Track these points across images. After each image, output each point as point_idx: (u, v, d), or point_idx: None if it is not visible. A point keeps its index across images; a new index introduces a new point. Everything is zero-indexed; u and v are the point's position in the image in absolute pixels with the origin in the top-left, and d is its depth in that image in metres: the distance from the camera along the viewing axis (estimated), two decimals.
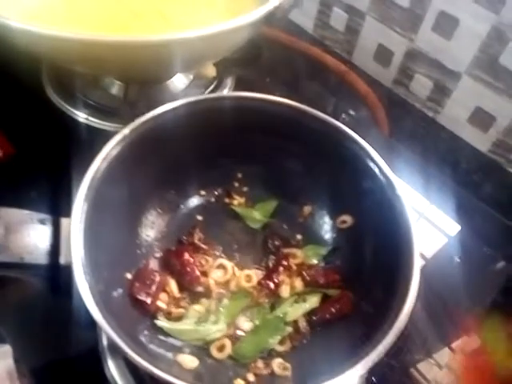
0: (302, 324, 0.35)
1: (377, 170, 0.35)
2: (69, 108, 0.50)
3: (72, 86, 0.50)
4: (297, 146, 0.40)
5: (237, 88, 0.56)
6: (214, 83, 0.55)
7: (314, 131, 0.38)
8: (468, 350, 0.41)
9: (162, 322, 0.34)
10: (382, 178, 0.35)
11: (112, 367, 0.34)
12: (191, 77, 0.55)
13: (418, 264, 0.31)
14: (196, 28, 0.36)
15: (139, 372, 0.35)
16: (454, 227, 0.52)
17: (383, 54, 0.65)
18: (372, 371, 0.37)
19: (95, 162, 0.31)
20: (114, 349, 0.34)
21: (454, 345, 0.41)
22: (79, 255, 0.28)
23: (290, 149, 0.40)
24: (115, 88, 0.51)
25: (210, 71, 0.55)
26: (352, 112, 0.62)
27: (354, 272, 0.37)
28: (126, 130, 0.33)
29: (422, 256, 0.48)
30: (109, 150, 0.32)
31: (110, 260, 0.32)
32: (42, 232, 0.29)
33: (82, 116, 0.49)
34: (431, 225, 0.52)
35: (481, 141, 0.60)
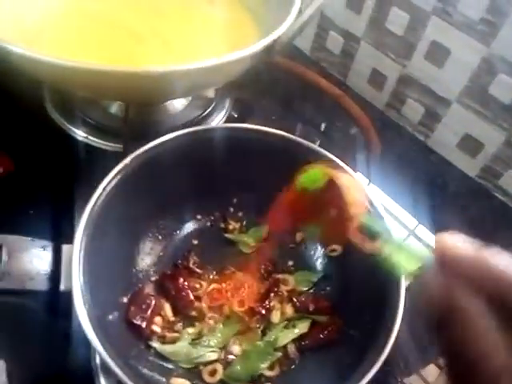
0: (291, 349, 0.36)
1: None
2: (69, 126, 0.50)
3: (72, 104, 0.51)
4: (289, 174, 0.41)
5: (234, 109, 0.58)
6: (213, 104, 0.56)
7: (304, 161, 0.39)
8: None
9: (155, 343, 0.35)
10: (368, 208, 0.37)
11: None
12: (190, 98, 0.56)
13: (403, 294, 0.33)
14: (197, 55, 0.37)
15: None
16: None
17: (377, 78, 0.67)
18: None
19: (97, 192, 0.32)
20: (108, 371, 0.35)
21: (440, 362, 0.43)
22: (79, 283, 0.29)
23: (284, 177, 0.41)
24: (115, 107, 0.52)
25: (209, 93, 0.56)
26: (345, 134, 0.63)
27: (343, 299, 0.38)
28: (128, 160, 0.34)
29: None
30: (110, 179, 0.33)
31: (107, 285, 0.33)
32: (43, 258, 0.30)
33: (81, 135, 0.50)
34: (421, 242, 0.54)
35: (469, 166, 0.61)
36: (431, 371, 0.42)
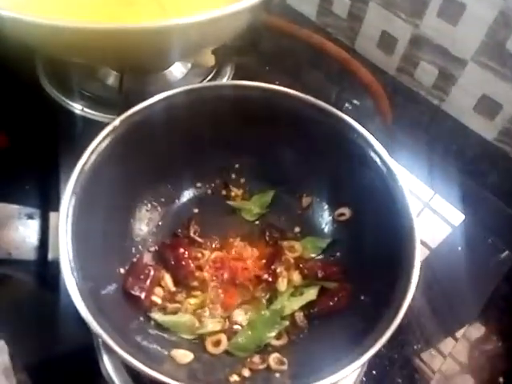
0: (299, 318, 0.34)
1: (378, 160, 0.34)
2: (64, 99, 0.49)
3: (67, 76, 0.50)
4: (296, 136, 0.38)
5: (236, 77, 0.55)
6: (213, 72, 0.54)
7: (314, 120, 0.37)
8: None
9: (156, 314, 0.33)
10: (383, 167, 0.34)
11: (107, 364, 0.34)
12: (189, 66, 0.54)
13: (419, 257, 0.30)
14: (193, 15, 0.35)
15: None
16: (458, 217, 0.51)
17: (387, 41, 0.63)
18: (372, 365, 0.37)
19: (84, 155, 0.30)
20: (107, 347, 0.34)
21: (457, 334, 0.41)
22: (67, 251, 0.27)
23: (288, 138, 0.39)
24: (111, 79, 0.51)
25: (209, 60, 0.54)
26: (355, 101, 0.60)
27: (353, 265, 0.36)
28: (117, 122, 0.32)
29: (427, 246, 0.48)
30: (98, 143, 0.31)
31: (101, 255, 0.31)
32: (30, 227, 0.28)
33: (77, 107, 0.48)
34: (436, 215, 0.52)
35: (487, 129, 0.58)
36: (449, 344, 0.40)
